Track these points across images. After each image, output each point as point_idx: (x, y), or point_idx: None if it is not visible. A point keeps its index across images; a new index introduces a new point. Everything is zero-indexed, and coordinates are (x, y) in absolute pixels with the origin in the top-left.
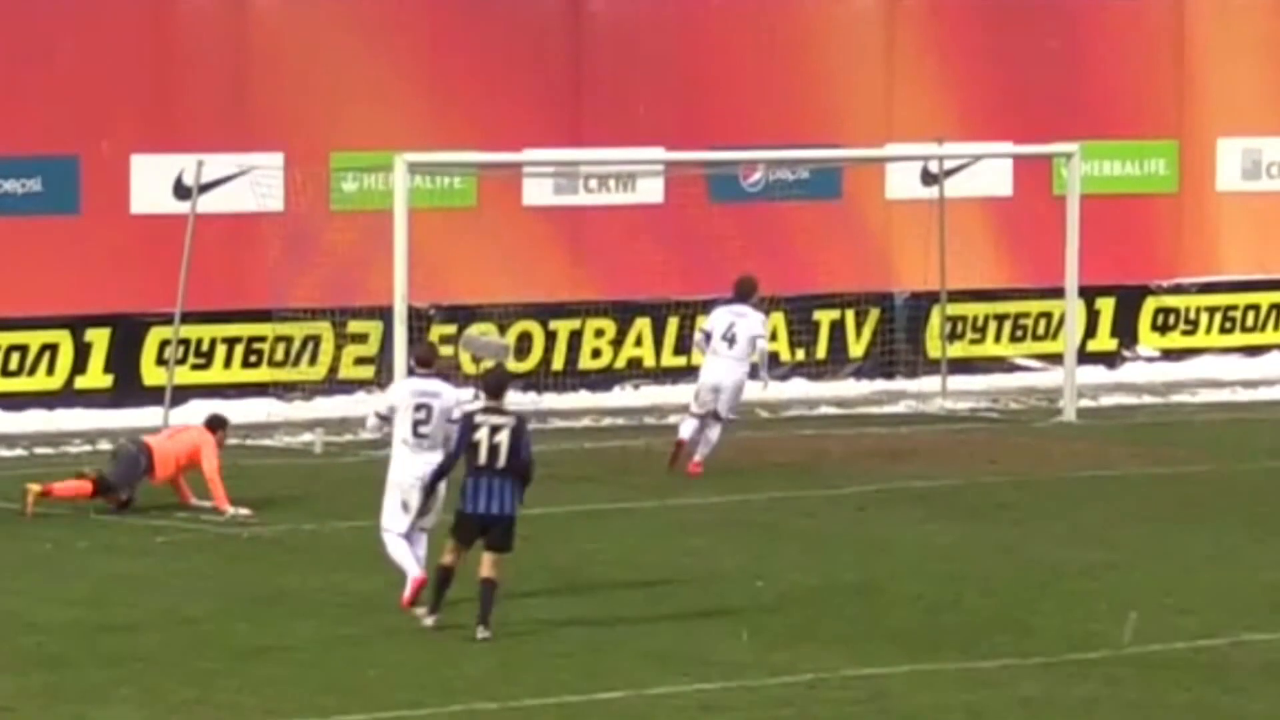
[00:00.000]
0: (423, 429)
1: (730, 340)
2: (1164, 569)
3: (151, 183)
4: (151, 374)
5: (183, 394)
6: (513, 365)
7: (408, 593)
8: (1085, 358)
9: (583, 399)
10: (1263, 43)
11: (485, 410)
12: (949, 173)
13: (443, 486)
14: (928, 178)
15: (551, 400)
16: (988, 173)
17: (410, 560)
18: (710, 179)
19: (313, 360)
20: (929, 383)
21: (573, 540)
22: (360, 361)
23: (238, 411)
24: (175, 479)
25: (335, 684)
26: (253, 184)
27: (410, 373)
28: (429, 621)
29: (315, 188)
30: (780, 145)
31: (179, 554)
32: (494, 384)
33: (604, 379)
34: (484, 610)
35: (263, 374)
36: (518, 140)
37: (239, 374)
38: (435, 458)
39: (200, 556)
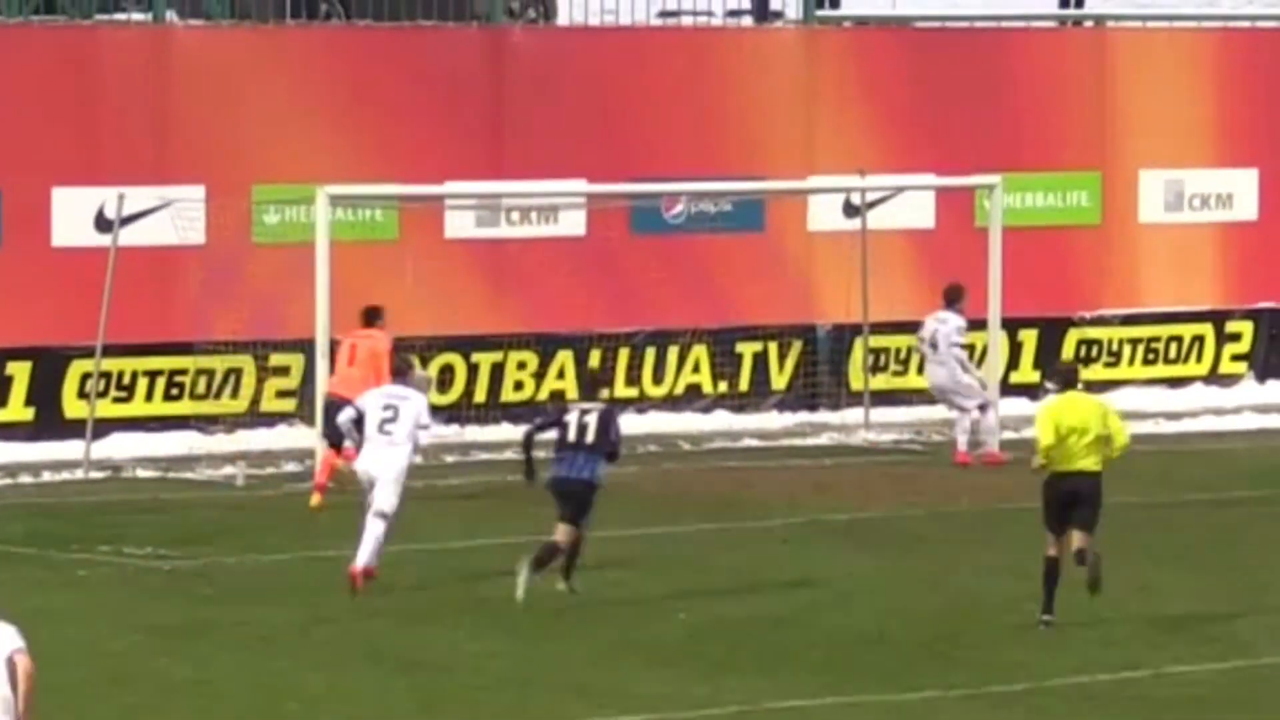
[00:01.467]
0: (388, 426)
1: (934, 345)
2: (1087, 601)
3: (73, 216)
4: (73, 407)
5: (104, 427)
6: (434, 398)
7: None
8: (1008, 389)
9: (505, 431)
10: (1185, 74)
11: (577, 404)
12: (871, 205)
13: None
14: (850, 210)
15: (474, 432)
16: (910, 205)
17: (363, 544)
18: (632, 211)
19: (235, 393)
20: (852, 415)
21: (496, 573)
22: (282, 394)
23: (159, 445)
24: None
25: (256, 717)
26: (174, 217)
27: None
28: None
29: (237, 220)
30: (702, 177)
31: (101, 587)
32: (588, 384)
33: (526, 411)
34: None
35: (184, 407)
36: (439, 173)
37: (161, 407)
38: (398, 454)
39: (122, 590)
